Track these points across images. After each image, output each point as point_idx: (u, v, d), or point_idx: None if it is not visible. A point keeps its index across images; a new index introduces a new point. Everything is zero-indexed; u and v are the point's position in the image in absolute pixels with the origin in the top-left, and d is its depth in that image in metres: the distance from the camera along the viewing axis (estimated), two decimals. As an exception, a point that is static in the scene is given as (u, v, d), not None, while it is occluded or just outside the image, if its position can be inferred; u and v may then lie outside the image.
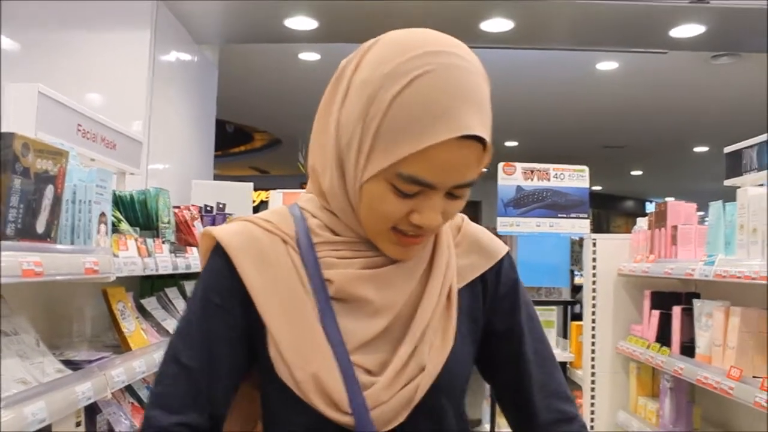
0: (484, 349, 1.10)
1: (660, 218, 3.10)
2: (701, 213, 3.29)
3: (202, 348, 0.98)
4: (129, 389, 2.27)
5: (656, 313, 3.09)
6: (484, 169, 0.97)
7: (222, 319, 0.99)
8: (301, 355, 0.95)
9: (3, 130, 1.47)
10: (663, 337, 2.99)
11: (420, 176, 0.89)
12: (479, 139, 0.90)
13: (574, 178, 3.85)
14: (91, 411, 1.90)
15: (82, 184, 1.79)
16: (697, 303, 2.71)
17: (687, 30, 5.16)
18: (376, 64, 0.92)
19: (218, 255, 1.00)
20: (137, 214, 2.34)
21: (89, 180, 1.82)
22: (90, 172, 1.85)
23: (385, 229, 0.95)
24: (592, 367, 3.53)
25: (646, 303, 3.22)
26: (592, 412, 3.50)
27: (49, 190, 1.56)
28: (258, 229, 1.01)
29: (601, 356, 3.52)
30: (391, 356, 0.97)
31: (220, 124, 6.75)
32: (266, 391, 1.02)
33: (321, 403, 0.93)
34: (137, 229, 2.25)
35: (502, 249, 1.12)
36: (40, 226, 1.52)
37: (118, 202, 2.31)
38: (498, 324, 1.09)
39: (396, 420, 0.96)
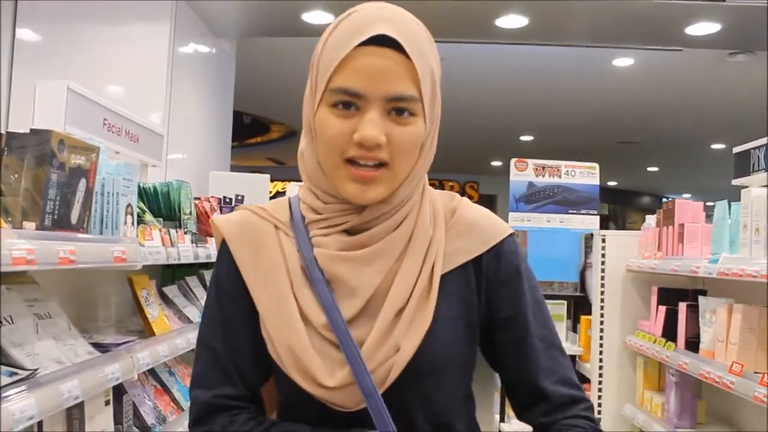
0: (489, 335, 1.10)
1: (668, 216, 3.15)
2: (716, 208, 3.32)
3: (223, 331, 1.06)
4: (152, 373, 2.38)
5: (663, 309, 3.15)
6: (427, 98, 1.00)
7: (234, 301, 1.07)
8: (281, 333, 1.01)
9: (35, 127, 1.57)
10: (669, 332, 3.05)
11: (345, 84, 0.97)
12: (402, 52, 0.96)
13: (585, 174, 3.91)
14: (118, 392, 2.00)
15: (110, 177, 1.89)
16: (701, 300, 2.76)
17: (703, 28, 5.18)
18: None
19: (224, 243, 1.10)
20: (160, 206, 2.44)
21: (116, 173, 1.92)
22: (117, 166, 1.94)
23: (339, 161, 0.99)
24: (600, 360, 3.60)
25: (654, 299, 3.28)
26: (599, 405, 3.56)
27: (82, 183, 1.65)
28: (253, 216, 1.10)
29: (608, 350, 3.58)
30: (367, 336, 1.00)
31: (237, 115, 6.85)
32: (272, 368, 1.08)
33: (298, 377, 0.99)
34: (160, 219, 2.35)
35: (500, 233, 1.11)
36: (74, 217, 1.62)
37: (143, 193, 2.41)
38: (501, 310, 1.09)
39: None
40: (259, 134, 10.65)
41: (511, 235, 1.13)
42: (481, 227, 1.11)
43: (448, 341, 1.04)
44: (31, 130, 1.51)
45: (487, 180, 14.34)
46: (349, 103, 0.98)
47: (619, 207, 16.87)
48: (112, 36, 4.54)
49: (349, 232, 1.05)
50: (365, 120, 0.97)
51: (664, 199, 17.40)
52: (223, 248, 1.10)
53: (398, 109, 0.98)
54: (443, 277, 1.05)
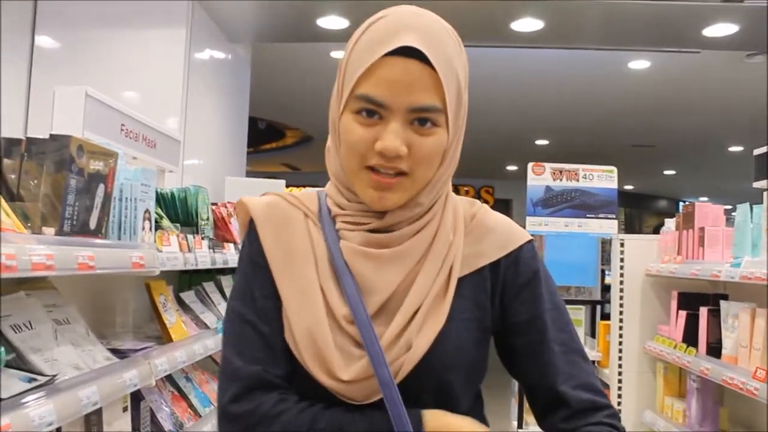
0: (506, 340, 1.10)
1: (687, 219, 3.12)
2: (734, 213, 3.29)
3: (262, 306, 1.05)
4: (169, 379, 2.37)
5: (683, 313, 3.11)
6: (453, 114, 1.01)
7: (266, 276, 1.06)
8: (298, 314, 1.01)
9: (54, 132, 1.57)
10: (690, 337, 3.02)
11: (370, 93, 0.97)
12: (428, 64, 0.96)
13: (603, 178, 3.88)
14: (135, 398, 1.99)
15: (128, 183, 1.89)
16: (723, 304, 2.73)
17: (720, 29, 5.13)
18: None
19: (252, 223, 1.10)
20: (177, 211, 2.44)
21: (134, 179, 1.92)
22: (135, 172, 1.94)
23: (359, 167, 1.01)
24: (619, 366, 3.56)
25: (674, 303, 3.24)
26: (619, 411, 3.52)
27: (101, 189, 1.65)
28: (284, 201, 1.12)
29: (628, 356, 3.55)
30: (383, 333, 1.01)
31: (253, 121, 6.87)
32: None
33: (310, 361, 0.99)
34: (178, 225, 2.35)
35: (519, 239, 1.11)
36: (93, 223, 1.62)
37: (160, 199, 2.41)
38: (519, 315, 1.09)
39: (376, 394, 0.98)
40: (274, 140, 10.69)
41: (530, 241, 1.14)
42: (499, 233, 1.12)
43: (460, 342, 1.05)
44: (51, 135, 1.51)
45: (503, 184, 14.29)
46: (372, 111, 0.99)
47: (635, 211, 16.76)
48: (128, 42, 4.57)
49: (373, 230, 1.06)
50: (387, 130, 0.98)
51: (681, 203, 17.29)
52: (251, 228, 1.10)
53: (421, 119, 0.99)
54: (460, 279, 1.06)
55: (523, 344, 1.09)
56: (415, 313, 1.02)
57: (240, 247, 1.16)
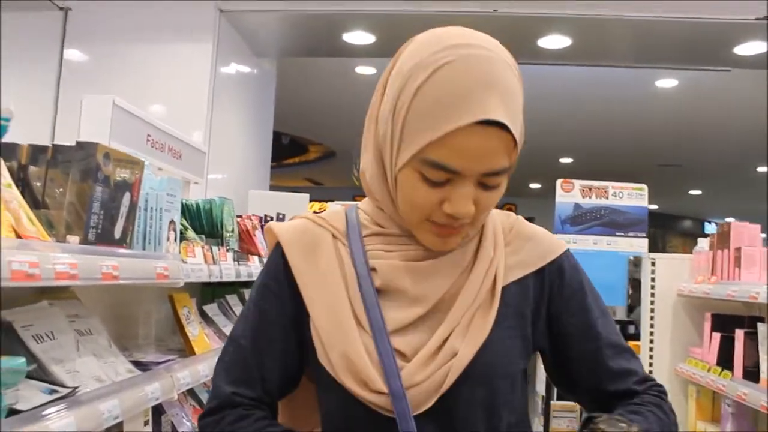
0: (558, 353, 1.10)
1: (723, 239, 3.03)
2: (763, 235, 3.20)
3: (257, 330, 1.08)
4: (191, 392, 2.33)
5: (717, 335, 3.02)
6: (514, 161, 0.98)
7: (276, 304, 1.07)
8: (335, 338, 1.01)
9: (82, 140, 1.55)
10: (724, 360, 2.92)
11: (444, 162, 0.93)
12: (503, 126, 0.91)
13: (633, 196, 3.80)
14: (157, 412, 1.96)
15: (153, 193, 1.86)
16: (761, 327, 2.64)
17: (752, 47, 5.05)
18: (406, 60, 0.97)
19: (277, 247, 1.11)
20: (202, 223, 2.41)
21: (160, 189, 1.89)
22: (161, 181, 1.92)
23: (421, 219, 0.99)
24: (649, 389, 3.46)
25: (707, 325, 3.15)
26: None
27: (126, 198, 1.62)
28: (311, 224, 1.11)
29: (658, 378, 3.39)
30: (426, 343, 1.00)
31: (276, 136, 6.87)
32: (316, 380, 1.08)
33: (352, 383, 0.98)
34: (202, 236, 2.32)
35: (559, 247, 1.12)
36: (118, 232, 1.59)
37: (185, 210, 2.39)
38: (570, 326, 1.09)
39: (424, 405, 0.98)
40: (297, 155, 10.71)
41: (568, 249, 1.15)
42: (537, 242, 1.12)
43: (505, 349, 1.04)
44: (77, 143, 1.48)
45: (526, 202, 14.18)
46: (443, 177, 0.95)
47: (659, 231, 16.55)
48: (155, 55, 4.60)
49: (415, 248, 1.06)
50: (458, 194, 0.95)
51: (707, 223, 17.06)
52: (276, 252, 1.11)
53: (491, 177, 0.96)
54: (503, 289, 1.06)
55: (578, 355, 1.10)
56: (461, 320, 1.01)
57: None
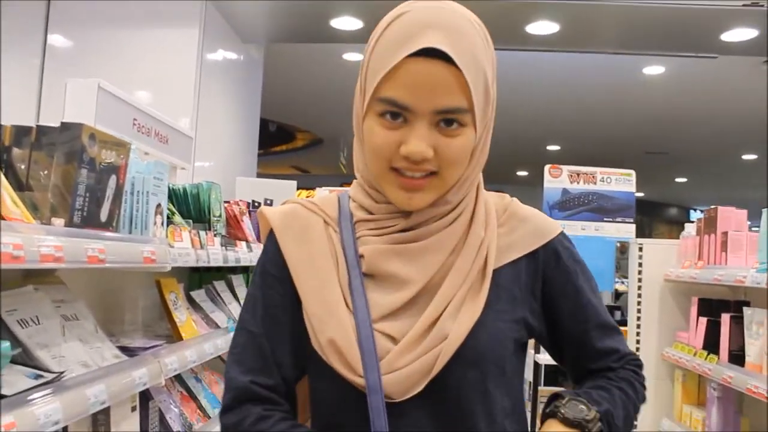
0: (550, 333, 1.12)
1: (709, 224, 3.05)
2: (750, 222, 3.22)
3: (264, 315, 1.06)
4: (178, 378, 2.32)
5: (704, 320, 3.04)
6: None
7: (278, 288, 1.07)
8: (323, 322, 1.00)
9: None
10: (710, 344, 2.94)
11: (393, 96, 0.94)
12: (451, 62, 0.92)
13: (621, 182, 3.81)
14: (144, 398, 1.94)
15: (140, 176, 1.84)
16: (747, 311, 2.66)
17: (739, 34, 5.07)
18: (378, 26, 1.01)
19: (271, 233, 1.10)
20: (189, 207, 2.39)
21: (147, 172, 1.87)
22: (148, 165, 1.89)
23: (385, 168, 0.99)
24: (636, 373, 3.48)
25: (693, 310, 3.17)
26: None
27: (112, 180, 1.60)
28: (303, 209, 1.11)
29: (645, 363, 3.41)
30: (414, 325, 1.00)
31: (263, 123, 6.84)
32: (308, 363, 1.07)
33: (340, 365, 0.98)
34: (190, 221, 2.30)
35: (554, 228, 1.12)
36: (104, 215, 1.57)
37: (172, 195, 2.36)
38: (563, 310, 1.10)
39: (414, 388, 0.97)
40: (284, 142, 10.66)
41: (562, 231, 1.15)
42: (533, 223, 1.11)
43: (496, 331, 1.03)
44: (62, 123, 1.46)
45: (513, 189, 14.08)
46: (396, 113, 0.96)
47: (645, 218, 16.64)
48: (141, 41, 4.55)
49: (400, 231, 1.05)
50: (412, 134, 0.95)
51: (692, 211, 17.18)
52: (270, 237, 1.10)
53: (447, 120, 0.96)
54: (495, 271, 1.05)
55: (567, 335, 1.11)
56: (449, 304, 1.00)
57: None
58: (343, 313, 1.00)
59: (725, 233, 2.87)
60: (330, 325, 1.00)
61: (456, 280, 1.01)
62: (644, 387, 1.13)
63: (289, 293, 1.06)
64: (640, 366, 1.14)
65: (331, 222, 1.08)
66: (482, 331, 1.00)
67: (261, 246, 1.16)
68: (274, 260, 1.08)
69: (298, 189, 4.96)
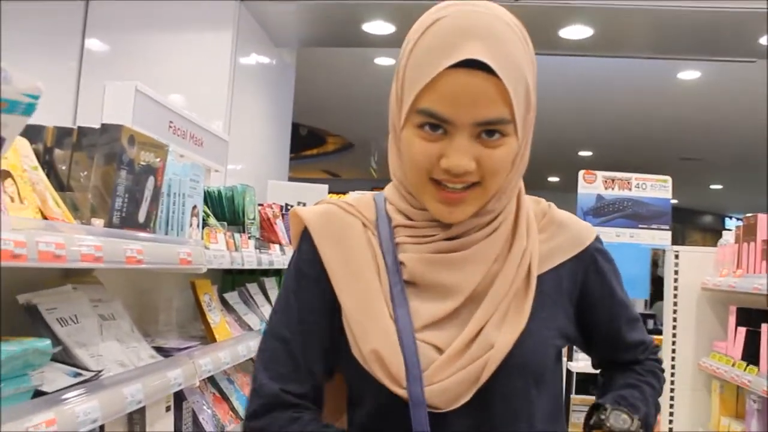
0: (586, 328, 1.12)
1: (749, 232, 2.98)
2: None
3: (296, 319, 1.03)
4: (211, 380, 2.33)
5: (742, 330, 2.97)
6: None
7: (312, 290, 1.04)
8: (366, 331, 0.98)
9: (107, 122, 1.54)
10: (749, 355, 2.87)
11: (433, 108, 0.92)
12: (492, 73, 0.90)
13: (657, 188, 3.75)
14: (178, 398, 1.95)
15: (176, 178, 1.85)
16: (788, 321, 2.59)
17: (779, 38, 4.96)
18: (413, 29, 0.98)
19: (306, 234, 1.07)
20: (224, 210, 2.40)
21: (183, 174, 1.88)
22: (184, 167, 1.91)
23: (424, 181, 0.97)
24: (672, 383, 3.42)
25: (732, 319, 3.10)
26: (670, 430, 3.39)
27: (150, 182, 1.62)
28: (340, 211, 1.07)
29: (681, 372, 3.40)
30: (459, 335, 0.98)
31: (294, 127, 6.87)
32: (345, 368, 1.05)
33: (383, 376, 0.96)
34: (224, 224, 2.31)
35: (590, 234, 1.12)
36: (142, 216, 1.58)
37: (207, 197, 2.38)
38: (599, 314, 1.12)
39: (461, 398, 0.95)
40: (315, 146, 10.71)
41: (598, 234, 1.15)
42: (571, 228, 1.11)
43: (540, 340, 1.02)
44: (102, 125, 1.48)
45: (544, 195, 13.64)
46: (436, 125, 0.94)
47: (678, 226, 16.37)
48: (175, 45, 4.61)
49: (442, 238, 1.03)
50: (453, 146, 0.93)
51: (727, 218, 16.86)
52: (305, 238, 1.07)
53: (488, 131, 0.94)
54: (538, 278, 1.03)
55: (601, 334, 1.14)
56: (494, 313, 0.99)
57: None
58: (386, 322, 0.98)
59: (765, 241, 2.80)
60: (373, 334, 0.97)
61: (501, 289, 1.00)
62: (663, 371, 1.19)
63: (325, 296, 1.03)
64: (657, 352, 1.21)
65: (369, 225, 1.05)
66: (528, 340, 0.99)
67: (292, 248, 1.14)
68: (310, 261, 1.05)
69: (329, 193, 4.98)
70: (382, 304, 0.99)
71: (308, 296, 1.04)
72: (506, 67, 0.91)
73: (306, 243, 1.07)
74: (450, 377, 0.95)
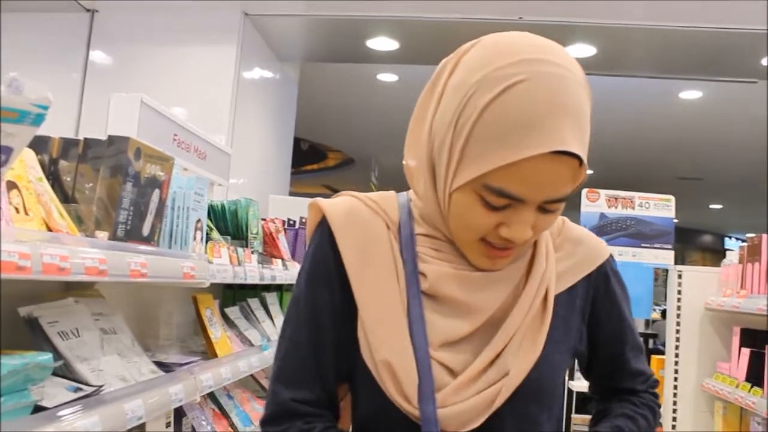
0: (590, 348, 1.10)
1: (753, 252, 2.97)
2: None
3: (309, 322, 1.00)
4: (210, 396, 2.30)
5: (746, 351, 2.95)
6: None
7: (326, 291, 1.00)
8: (380, 340, 0.95)
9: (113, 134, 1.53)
10: (753, 376, 2.85)
11: (509, 190, 0.87)
12: (573, 154, 0.86)
13: (660, 207, 3.74)
14: (178, 414, 1.93)
15: (181, 191, 1.84)
16: (793, 343, 2.57)
17: (781, 59, 4.98)
18: (471, 68, 0.89)
19: (324, 229, 1.01)
20: (227, 224, 2.39)
21: (188, 187, 1.87)
22: (189, 180, 1.90)
23: (474, 240, 0.94)
24: (674, 404, 3.39)
25: (735, 340, 3.08)
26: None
27: (155, 195, 1.60)
28: (364, 207, 1.02)
29: (683, 393, 3.38)
30: (474, 358, 0.96)
31: (296, 142, 6.87)
32: (353, 371, 1.02)
33: (393, 390, 0.94)
34: (228, 237, 2.30)
35: (604, 252, 1.10)
36: (146, 229, 1.57)
37: (210, 211, 2.36)
38: (605, 333, 1.10)
39: (473, 423, 0.93)
40: (315, 161, 10.71)
41: (610, 253, 1.14)
42: (586, 246, 1.08)
43: (554, 364, 1.01)
44: (109, 137, 1.47)
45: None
46: (505, 203, 0.90)
47: (678, 245, 16.35)
48: (179, 58, 4.62)
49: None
50: (518, 219, 0.90)
51: (727, 238, 16.84)
52: (323, 234, 1.01)
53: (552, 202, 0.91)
54: (554, 298, 1.02)
55: (604, 357, 1.12)
56: (511, 338, 0.97)
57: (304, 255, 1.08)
58: (402, 334, 0.95)
59: (770, 262, 2.79)
60: (387, 344, 0.95)
61: (520, 313, 0.98)
62: (659, 406, 1.16)
63: (341, 295, 0.99)
64: (656, 386, 1.18)
65: (392, 227, 1.01)
66: (542, 366, 0.97)
67: (296, 264, 1.12)
68: (328, 258, 1.00)
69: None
70: (400, 315, 0.96)
71: (321, 296, 1.00)
72: (585, 145, 0.88)
73: (322, 241, 1.01)
74: (465, 401, 0.93)
